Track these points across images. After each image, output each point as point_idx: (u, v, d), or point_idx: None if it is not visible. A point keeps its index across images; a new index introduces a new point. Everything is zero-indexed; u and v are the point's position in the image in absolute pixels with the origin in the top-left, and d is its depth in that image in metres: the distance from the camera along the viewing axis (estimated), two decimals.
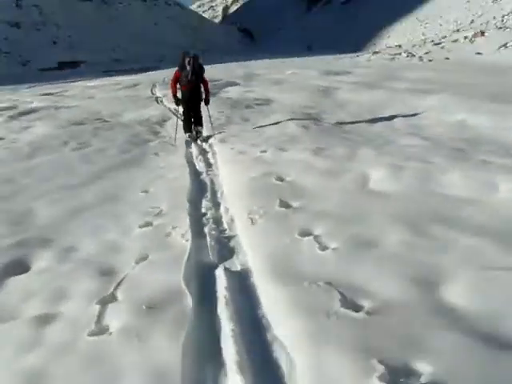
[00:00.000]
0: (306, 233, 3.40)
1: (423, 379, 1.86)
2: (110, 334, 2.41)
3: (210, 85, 7.96)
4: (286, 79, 18.06)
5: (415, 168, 4.67)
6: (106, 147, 7.31)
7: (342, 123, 8.13)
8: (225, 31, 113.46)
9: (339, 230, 3.37)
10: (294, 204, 4.01)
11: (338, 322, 2.31)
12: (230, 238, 3.71)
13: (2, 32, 68.18)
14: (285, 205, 3.99)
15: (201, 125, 7.91)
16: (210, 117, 7.99)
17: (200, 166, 6.12)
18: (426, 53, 27.65)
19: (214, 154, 6.64)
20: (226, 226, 3.97)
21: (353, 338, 2.15)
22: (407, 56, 27.66)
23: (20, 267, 3.33)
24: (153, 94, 16.54)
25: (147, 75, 30.33)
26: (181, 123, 8.02)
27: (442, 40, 33.99)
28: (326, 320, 2.34)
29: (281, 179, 4.74)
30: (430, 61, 23.51)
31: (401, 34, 65.95)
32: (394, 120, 8.09)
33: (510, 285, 2.48)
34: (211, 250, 3.45)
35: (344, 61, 32.22)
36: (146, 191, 4.91)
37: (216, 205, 4.51)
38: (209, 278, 3.05)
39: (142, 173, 5.71)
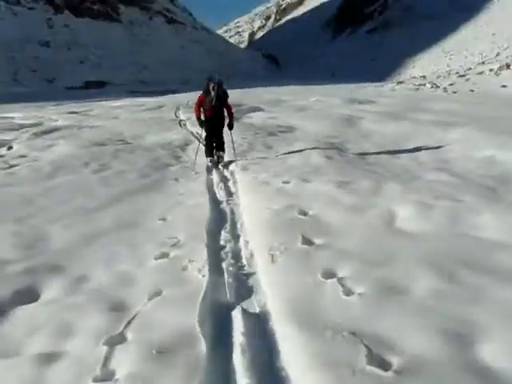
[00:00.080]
0: (329, 274, 3.20)
1: None
2: (116, 381, 2.25)
3: (233, 109, 7.91)
4: (309, 106, 18.08)
5: (444, 207, 4.44)
6: (126, 170, 7.26)
7: (366, 154, 7.97)
8: (250, 57, 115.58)
9: (364, 273, 3.17)
10: (317, 241, 3.81)
11: (365, 380, 2.11)
12: (248, 275, 3.53)
13: (33, 51, 70.63)
14: (307, 242, 3.80)
15: (223, 150, 7.85)
16: (232, 142, 7.92)
17: (220, 194, 5.95)
18: (451, 84, 27.54)
19: (235, 182, 6.50)
20: (244, 261, 3.79)
21: None
22: (432, 87, 27.56)
23: (29, 296, 3.21)
24: (176, 116, 16.64)
25: (172, 97, 30.80)
26: (202, 147, 7.97)
27: (467, 72, 33.91)
28: (351, 377, 2.15)
29: (304, 213, 4.56)
30: (455, 92, 23.33)
31: (425, 64, 66.15)
32: (419, 153, 7.91)
33: None
34: (229, 287, 3.28)
35: (367, 90, 32.25)
36: (164, 219, 4.79)
37: (235, 237, 4.33)
38: (225, 319, 2.87)
39: (161, 198, 5.61)
